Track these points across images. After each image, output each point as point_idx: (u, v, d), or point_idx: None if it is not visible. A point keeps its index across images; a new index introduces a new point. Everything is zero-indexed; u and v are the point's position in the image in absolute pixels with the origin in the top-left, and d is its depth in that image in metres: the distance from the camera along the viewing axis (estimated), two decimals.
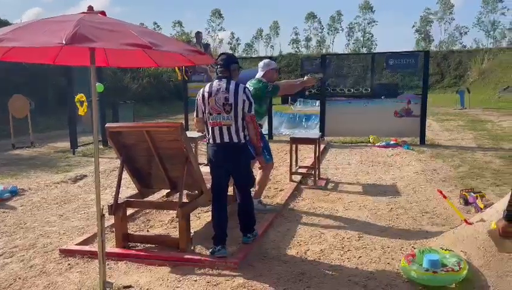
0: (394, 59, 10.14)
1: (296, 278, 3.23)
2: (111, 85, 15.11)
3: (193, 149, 5.07)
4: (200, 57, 3.35)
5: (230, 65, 3.66)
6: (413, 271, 3.09)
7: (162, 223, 4.58)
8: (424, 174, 6.53)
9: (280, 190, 5.81)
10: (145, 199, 4.23)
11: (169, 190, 4.11)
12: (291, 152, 6.26)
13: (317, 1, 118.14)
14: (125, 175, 3.97)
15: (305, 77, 5.32)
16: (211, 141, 3.67)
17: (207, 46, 13.57)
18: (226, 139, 3.59)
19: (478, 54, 34.82)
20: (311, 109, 16.19)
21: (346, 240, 4.00)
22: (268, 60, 5.05)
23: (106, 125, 3.82)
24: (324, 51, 64.34)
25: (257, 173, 4.73)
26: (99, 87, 8.07)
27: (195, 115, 3.79)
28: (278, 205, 5.07)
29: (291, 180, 6.16)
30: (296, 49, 71.88)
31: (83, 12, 2.74)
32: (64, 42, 2.29)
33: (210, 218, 3.93)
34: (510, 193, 3.10)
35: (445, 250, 3.33)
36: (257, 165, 4.68)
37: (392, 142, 9.19)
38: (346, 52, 60.12)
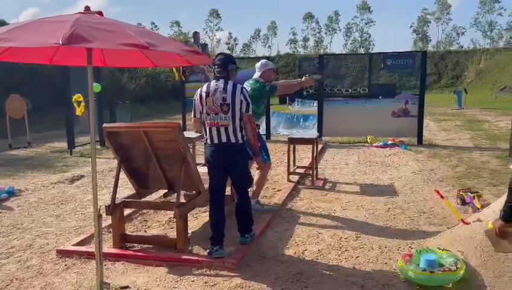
0: (392, 59, 10.18)
1: (293, 278, 3.23)
2: (108, 85, 15.08)
3: (191, 149, 5.06)
4: (198, 57, 3.36)
5: (227, 65, 3.65)
6: (411, 271, 3.09)
7: (160, 224, 4.57)
8: (422, 174, 6.55)
9: (278, 190, 5.81)
10: (143, 199, 4.21)
11: (166, 190, 4.11)
12: (289, 152, 6.26)
13: (314, 1, 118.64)
14: (123, 175, 3.96)
15: (303, 78, 5.34)
16: (208, 141, 3.67)
17: (205, 46, 13.56)
18: (224, 139, 3.59)
19: (475, 54, 34.98)
20: (309, 109, 16.20)
21: (343, 240, 4.00)
22: (265, 60, 5.05)
23: (103, 125, 3.81)
24: (322, 51, 64.46)
25: (255, 173, 4.73)
26: (97, 87, 7.99)
27: (192, 115, 3.79)
28: (276, 205, 5.07)
29: (289, 180, 6.16)
30: (293, 50, 72.07)
31: (80, 13, 2.73)
32: (60, 42, 2.28)
33: (208, 218, 3.93)
34: (507, 192, 3.11)
35: (443, 250, 3.34)
36: (255, 165, 4.68)
37: (389, 142, 9.21)
38: (344, 53, 60.25)
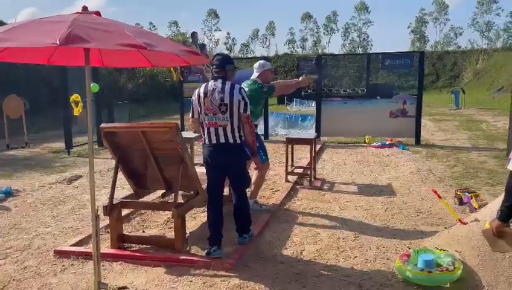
0: (390, 59, 10.20)
1: (292, 279, 3.24)
2: (106, 85, 15.05)
3: (189, 150, 5.06)
4: (195, 57, 3.36)
5: (225, 66, 3.65)
6: (408, 271, 3.10)
7: (158, 224, 4.57)
8: (419, 174, 6.56)
9: (276, 190, 5.81)
10: (141, 199, 4.21)
11: (164, 191, 4.10)
12: (287, 152, 6.27)
13: (313, 1, 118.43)
14: (121, 176, 3.95)
15: (301, 78, 5.35)
16: (206, 141, 3.66)
17: (203, 46, 13.52)
18: (222, 139, 3.59)
19: (473, 54, 35.06)
20: (307, 109, 16.22)
21: (341, 240, 4.00)
22: (263, 61, 5.04)
23: (101, 125, 3.81)
24: (320, 51, 64.38)
25: (253, 174, 4.74)
26: (94, 87, 8.01)
27: (190, 116, 3.79)
28: (274, 205, 5.07)
29: (287, 180, 6.17)
30: (292, 50, 72.04)
31: (78, 13, 2.72)
32: (58, 43, 2.28)
33: (206, 219, 3.93)
34: (504, 192, 3.11)
35: (440, 250, 3.35)
36: (253, 165, 4.68)
37: (387, 142, 9.23)
38: (342, 53, 60.27)
